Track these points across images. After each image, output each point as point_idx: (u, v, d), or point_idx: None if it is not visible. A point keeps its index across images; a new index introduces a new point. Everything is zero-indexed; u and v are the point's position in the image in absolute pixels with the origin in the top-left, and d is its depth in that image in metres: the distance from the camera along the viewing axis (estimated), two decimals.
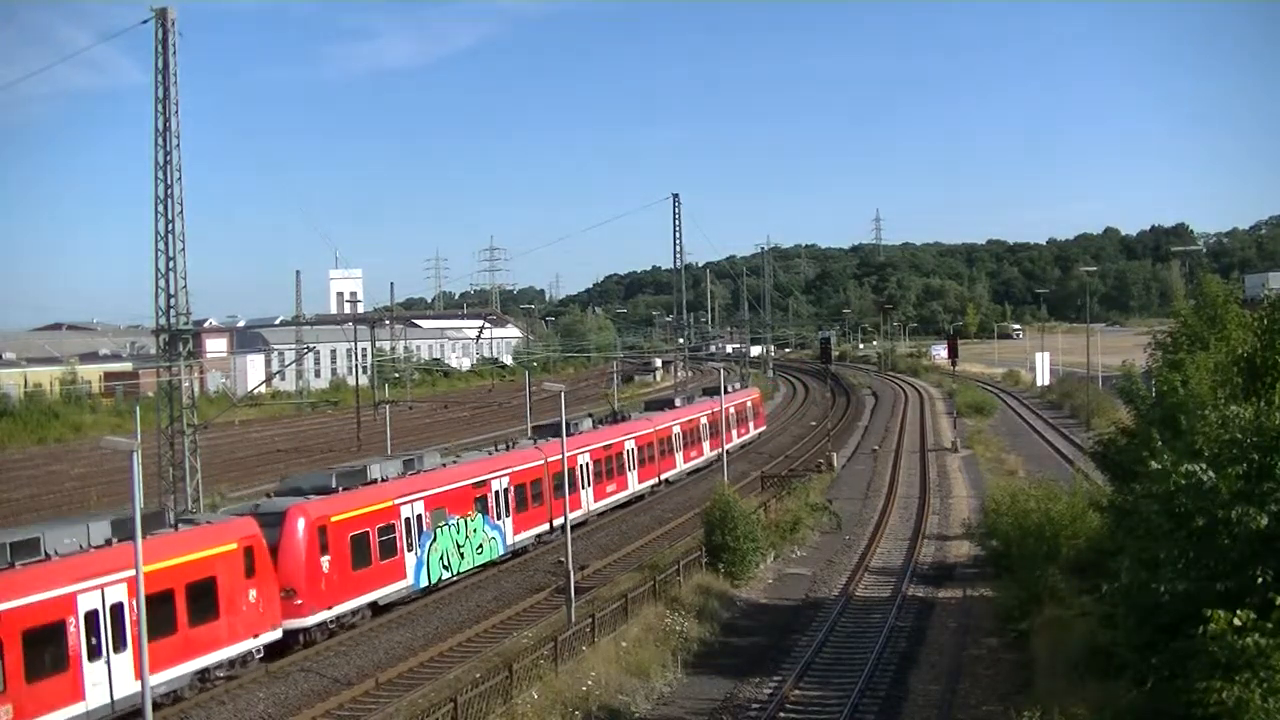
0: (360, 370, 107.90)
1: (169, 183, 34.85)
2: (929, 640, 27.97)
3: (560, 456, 32.72)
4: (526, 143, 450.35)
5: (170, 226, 35.02)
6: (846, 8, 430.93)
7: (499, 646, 27.46)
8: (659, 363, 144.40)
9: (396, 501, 30.74)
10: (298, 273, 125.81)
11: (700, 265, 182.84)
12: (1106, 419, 49.76)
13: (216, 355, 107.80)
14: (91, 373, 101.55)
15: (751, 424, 66.28)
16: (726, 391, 59.86)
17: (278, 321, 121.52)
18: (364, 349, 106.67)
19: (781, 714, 22.79)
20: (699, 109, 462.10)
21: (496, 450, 39.85)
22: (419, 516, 31.46)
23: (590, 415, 51.32)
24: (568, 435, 36.75)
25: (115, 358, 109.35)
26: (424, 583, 31.81)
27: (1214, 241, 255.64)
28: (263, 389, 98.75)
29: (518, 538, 37.20)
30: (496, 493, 35.86)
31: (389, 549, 30.15)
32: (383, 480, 31.32)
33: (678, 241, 76.14)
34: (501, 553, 36.05)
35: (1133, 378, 26.34)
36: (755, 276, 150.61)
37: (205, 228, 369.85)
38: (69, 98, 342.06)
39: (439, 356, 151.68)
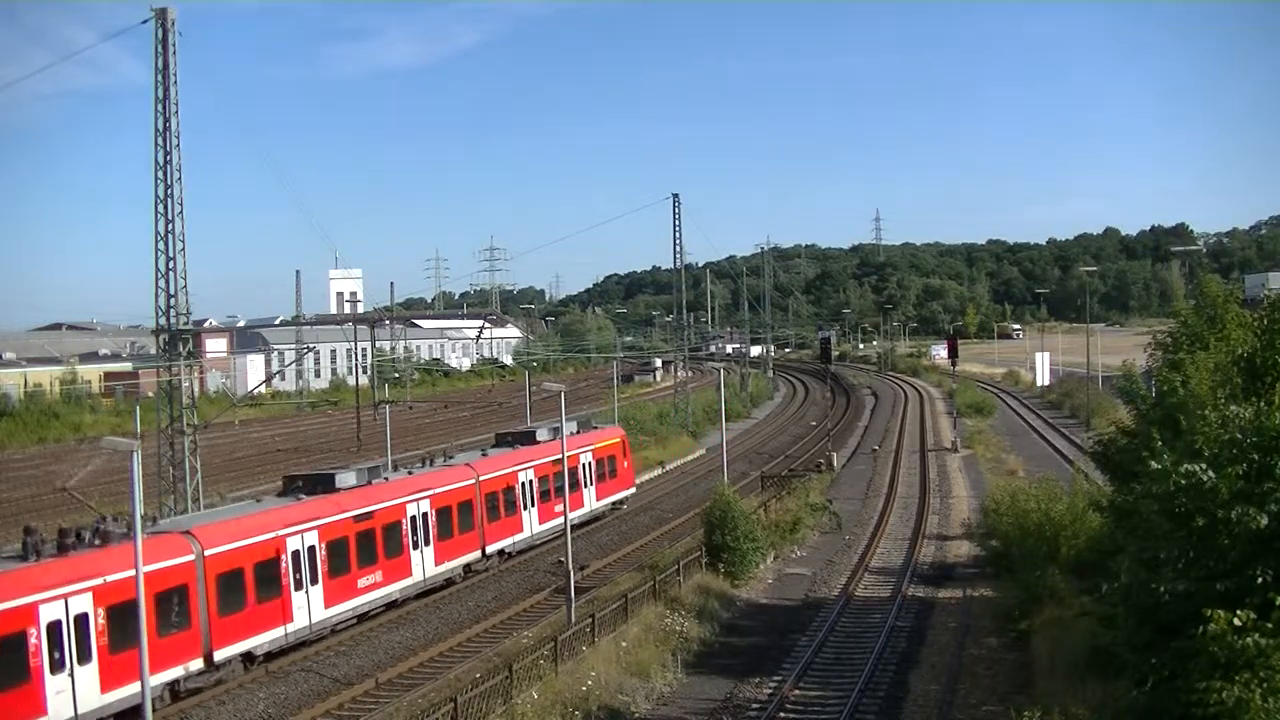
0: (360, 370, 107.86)
1: (169, 183, 34.84)
2: (929, 640, 27.96)
3: None
4: (527, 142, 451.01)
5: (170, 226, 35.00)
6: (846, 8, 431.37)
7: (499, 646, 27.47)
8: (659, 363, 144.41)
9: None
10: (298, 273, 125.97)
11: (700, 265, 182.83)
12: (1106, 419, 49.74)
13: (216, 355, 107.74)
14: (91, 373, 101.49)
15: (592, 490, 43.32)
16: (536, 440, 40.89)
17: (278, 321, 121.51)
18: (364, 349, 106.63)
19: (781, 714, 22.78)
20: (699, 109, 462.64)
21: None
22: None
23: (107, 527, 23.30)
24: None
25: (115, 358, 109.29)
26: None
27: (1214, 241, 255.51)
28: (263, 389, 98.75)
29: None
30: None
31: None
32: None
33: (678, 241, 76.13)
34: None
35: (1133, 378, 26.26)
36: (755, 276, 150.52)
37: (205, 228, 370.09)
38: (71, 97, 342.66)
39: (439, 356, 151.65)
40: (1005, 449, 65.03)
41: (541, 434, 41.58)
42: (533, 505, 38.36)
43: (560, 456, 36.44)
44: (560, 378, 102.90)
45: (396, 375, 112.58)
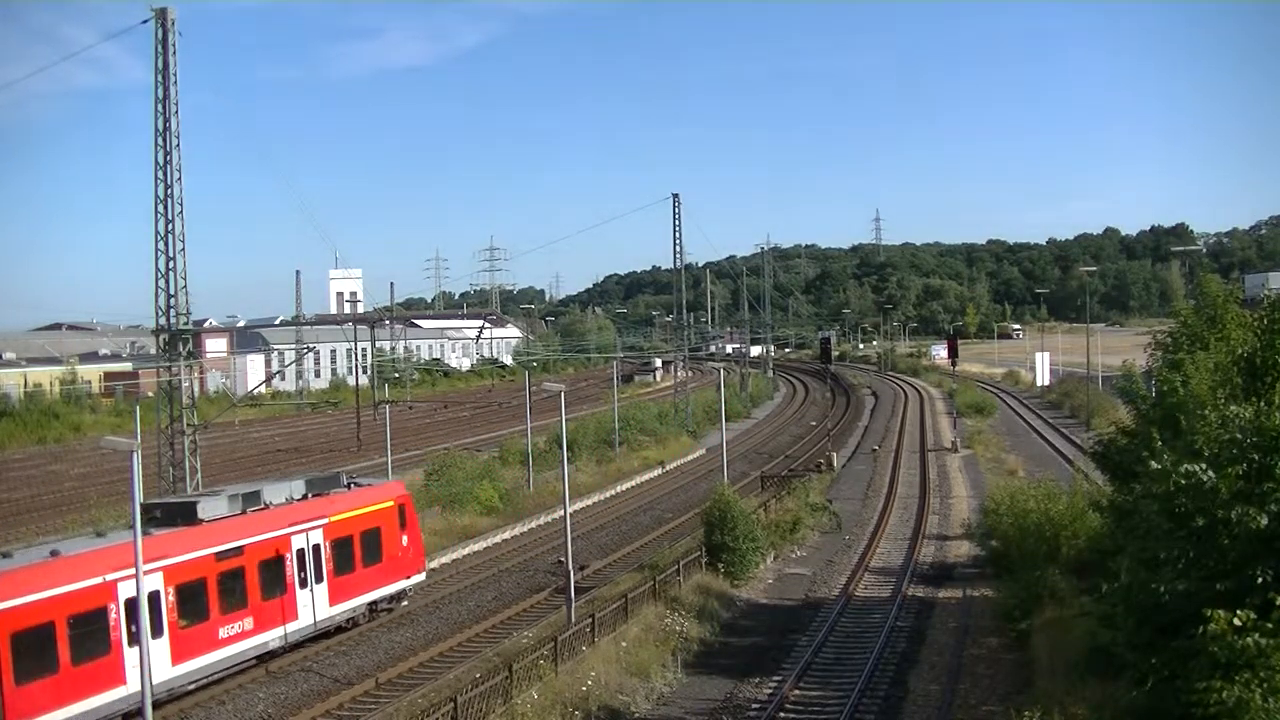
0: (360, 370, 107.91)
1: (169, 183, 34.86)
2: (929, 640, 27.97)
3: None
4: (527, 142, 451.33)
5: (170, 226, 35.02)
6: (847, 8, 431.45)
7: (499, 646, 27.45)
8: (659, 363, 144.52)
9: None
10: (298, 273, 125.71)
11: (700, 265, 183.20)
12: (1106, 419, 49.75)
13: (216, 355, 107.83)
14: (91, 373, 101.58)
15: (320, 590, 27.72)
16: (197, 518, 24.86)
17: (278, 321, 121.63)
18: (364, 349, 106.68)
19: (781, 714, 22.79)
20: (699, 109, 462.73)
21: None
22: None
23: None
24: None
25: (115, 358, 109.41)
26: None
27: (1214, 241, 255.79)
28: (263, 389, 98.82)
29: None
30: None
31: None
32: None
33: (678, 241, 76.21)
34: None
35: (1133, 378, 26.30)
36: (755, 276, 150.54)
37: (205, 228, 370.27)
38: (72, 97, 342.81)
39: (439, 356, 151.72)
40: (1005, 449, 65.05)
41: (212, 507, 25.57)
42: (158, 634, 22.48)
43: (240, 544, 24.79)
44: (560, 378, 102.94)
45: (396, 375, 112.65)
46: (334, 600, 28.39)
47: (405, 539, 31.35)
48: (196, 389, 44.70)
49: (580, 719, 21.81)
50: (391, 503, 31.21)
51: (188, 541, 24.11)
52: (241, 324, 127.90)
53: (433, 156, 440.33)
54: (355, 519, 29.50)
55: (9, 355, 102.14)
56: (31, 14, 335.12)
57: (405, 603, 31.82)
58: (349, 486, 31.03)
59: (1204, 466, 12.97)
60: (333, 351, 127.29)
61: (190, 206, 35.78)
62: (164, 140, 34.70)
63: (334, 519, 28.60)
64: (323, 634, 28.13)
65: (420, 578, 32.41)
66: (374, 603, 30.23)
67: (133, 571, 19.24)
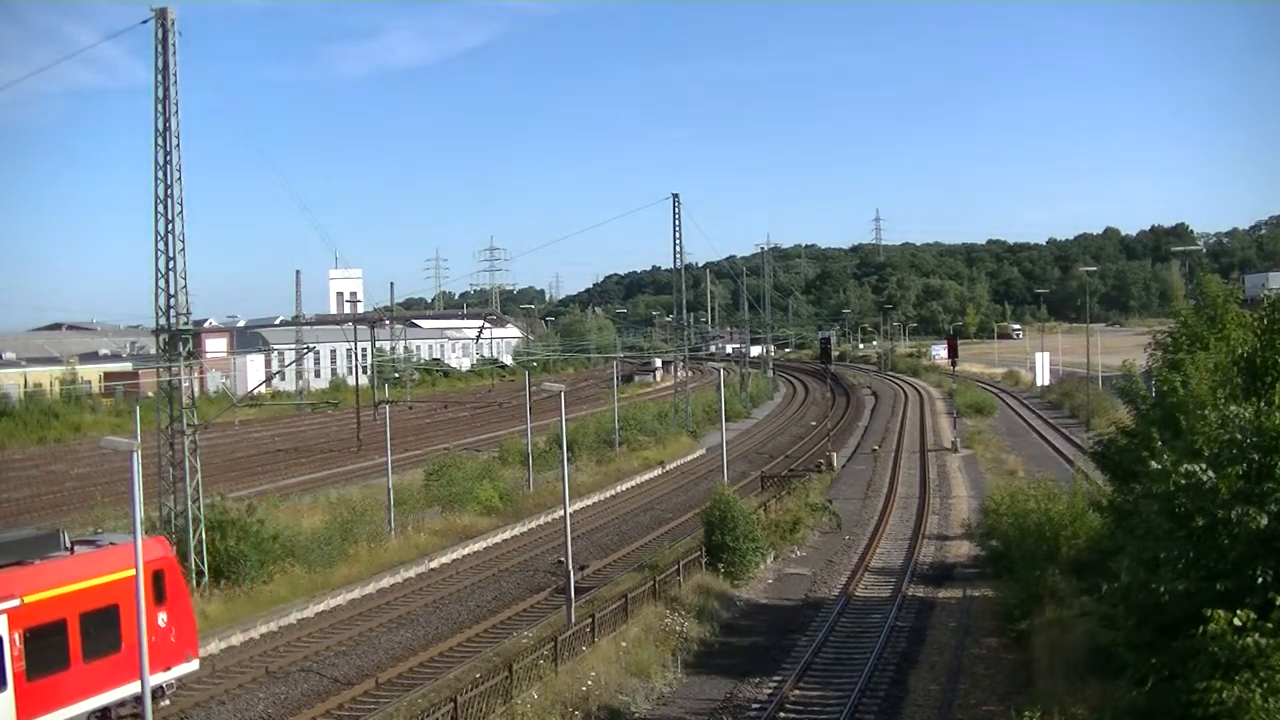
0: (360, 370, 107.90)
1: (169, 183, 34.81)
2: (929, 640, 27.99)
3: None
4: (527, 142, 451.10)
5: (170, 227, 34.97)
6: (847, 8, 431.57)
7: (499, 646, 27.47)
8: (659, 363, 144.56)
9: None
10: (298, 273, 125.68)
11: (700, 265, 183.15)
12: (1106, 419, 49.75)
13: (216, 355, 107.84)
14: (91, 373, 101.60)
15: (1, 704, 18.81)
16: None
17: (278, 321, 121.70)
18: (364, 349, 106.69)
19: (781, 714, 22.80)
20: (699, 109, 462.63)
21: None
22: None
23: None
24: None
25: (115, 358, 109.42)
26: None
27: (1214, 241, 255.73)
28: (263, 389, 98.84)
29: None
30: None
31: None
32: None
33: (678, 241, 76.16)
34: None
35: (1133, 378, 26.28)
36: (755, 276, 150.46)
37: (206, 228, 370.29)
38: (72, 97, 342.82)
39: (439, 356, 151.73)
40: (1005, 449, 65.09)
41: None
42: None
43: None
44: (560, 378, 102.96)
45: (396, 375, 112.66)
46: (28, 714, 19.57)
47: (163, 617, 22.71)
48: (196, 389, 44.69)
49: (580, 719, 21.81)
50: (136, 573, 20.07)
51: None
52: (241, 324, 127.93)
53: (433, 156, 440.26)
54: (73, 596, 20.85)
55: (9, 355, 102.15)
56: (32, 14, 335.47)
57: (166, 701, 23.16)
58: (71, 549, 21.90)
59: (1204, 466, 12.97)
60: (333, 351, 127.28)
61: (190, 206, 35.73)
62: (164, 140, 34.64)
63: (31, 599, 19.96)
64: None
65: (190, 667, 23.67)
66: (107, 708, 21.57)
67: None
